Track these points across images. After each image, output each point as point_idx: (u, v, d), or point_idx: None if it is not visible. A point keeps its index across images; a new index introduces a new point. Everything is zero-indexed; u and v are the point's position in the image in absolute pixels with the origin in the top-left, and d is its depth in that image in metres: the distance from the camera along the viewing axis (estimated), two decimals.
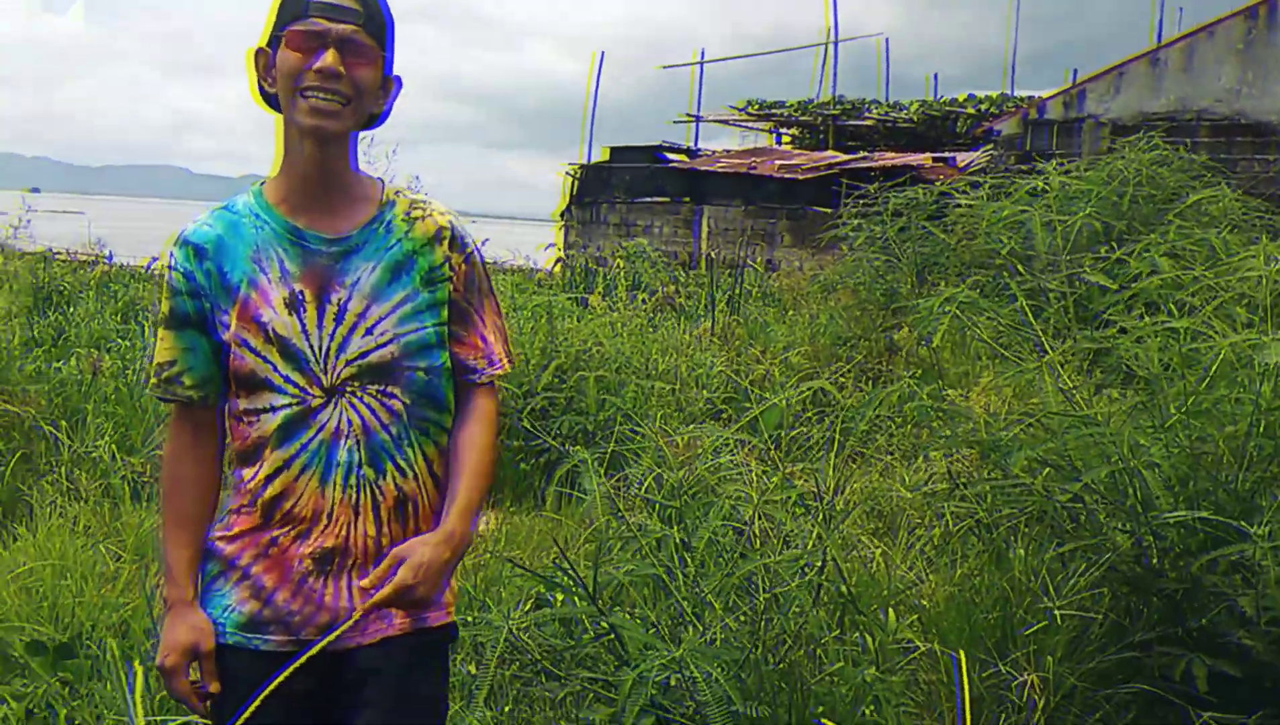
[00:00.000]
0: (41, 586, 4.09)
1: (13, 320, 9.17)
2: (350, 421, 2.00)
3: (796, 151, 27.74)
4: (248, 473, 2.03)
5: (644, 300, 11.93)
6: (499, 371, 2.14)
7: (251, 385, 2.00)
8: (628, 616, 3.05)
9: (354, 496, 2.01)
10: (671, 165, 27.63)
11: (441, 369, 2.08)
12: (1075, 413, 3.41)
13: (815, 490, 3.72)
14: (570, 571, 2.94)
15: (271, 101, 2.04)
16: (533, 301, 8.41)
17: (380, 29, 2.01)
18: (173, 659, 2.01)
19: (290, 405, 1.99)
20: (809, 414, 6.72)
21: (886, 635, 3.36)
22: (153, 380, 2.07)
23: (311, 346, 1.99)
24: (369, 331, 2.01)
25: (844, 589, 3.30)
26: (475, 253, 2.15)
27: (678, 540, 3.25)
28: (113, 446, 5.95)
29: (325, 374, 2.00)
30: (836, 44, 28.63)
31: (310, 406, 1.99)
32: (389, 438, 2.02)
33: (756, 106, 29.65)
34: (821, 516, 3.25)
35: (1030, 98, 20.10)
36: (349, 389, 2.00)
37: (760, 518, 3.15)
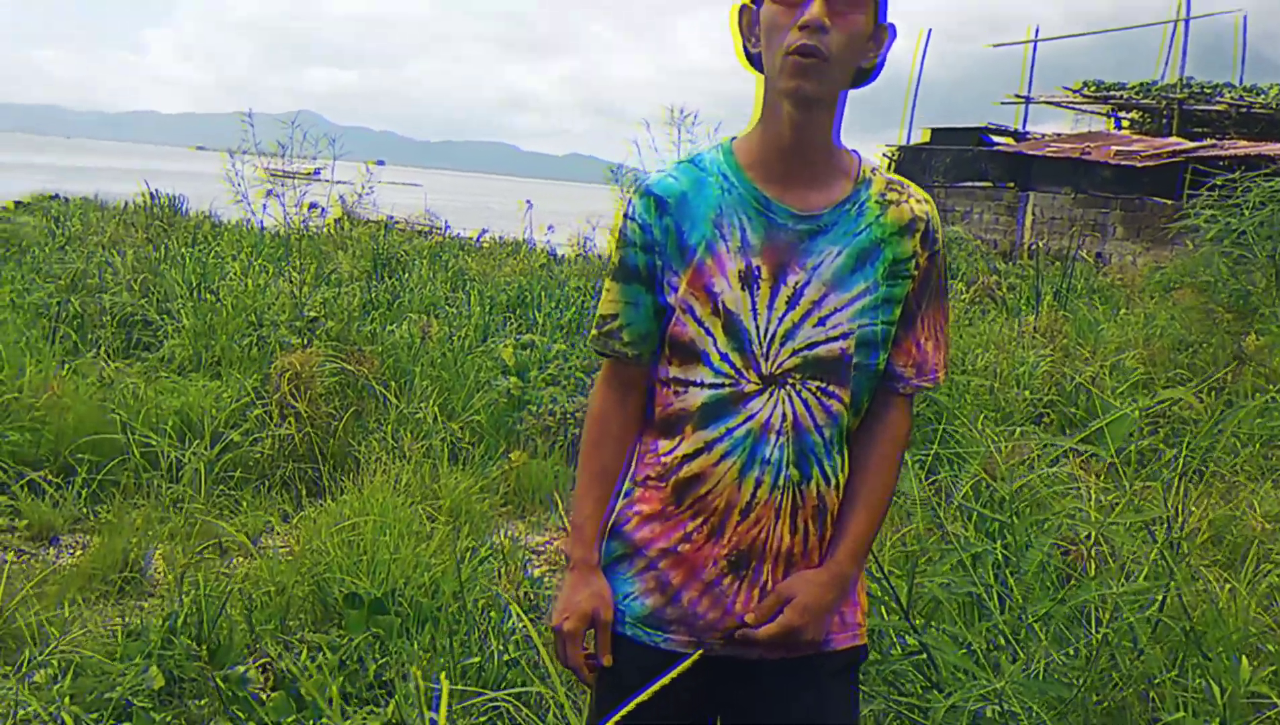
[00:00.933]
0: (362, 541, 4.27)
1: (353, 283, 9.75)
2: (784, 415, 1.83)
3: (1135, 137, 25.88)
4: (665, 445, 1.89)
5: (960, 291, 11.43)
6: (929, 384, 1.94)
7: (687, 354, 1.86)
8: (943, 635, 2.82)
9: (778, 498, 1.85)
10: (996, 148, 26.46)
11: (877, 372, 1.90)
12: None
13: (1160, 514, 3.34)
14: (884, 580, 2.74)
15: (755, 62, 1.88)
16: None
17: None
18: (571, 623, 1.90)
19: (721, 385, 1.84)
20: (1144, 425, 6.16)
21: (1237, 685, 2.97)
22: (593, 332, 1.97)
23: (758, 327, 1.83)
24: (822, 321, 1.83)
25: (1187, 627, 2.93)
26: (942, 251, 1.95)
27: (1000, 557, 2.98)
28: (435, 409, 6.21)
29: (765, 360, 1.83)
30: (1187, 22, 26.45)
31: (744, 391, 1.84)
32: (820, 439, 1.86)
33: (1094, 88, 27.87)
34: (1166, 543, 2.89)
35: None
36: (790, 381, 1.83)
37: (1098, 541, 2.83)
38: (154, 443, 5.34)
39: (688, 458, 1.86)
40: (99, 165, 61.50)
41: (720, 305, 1.83)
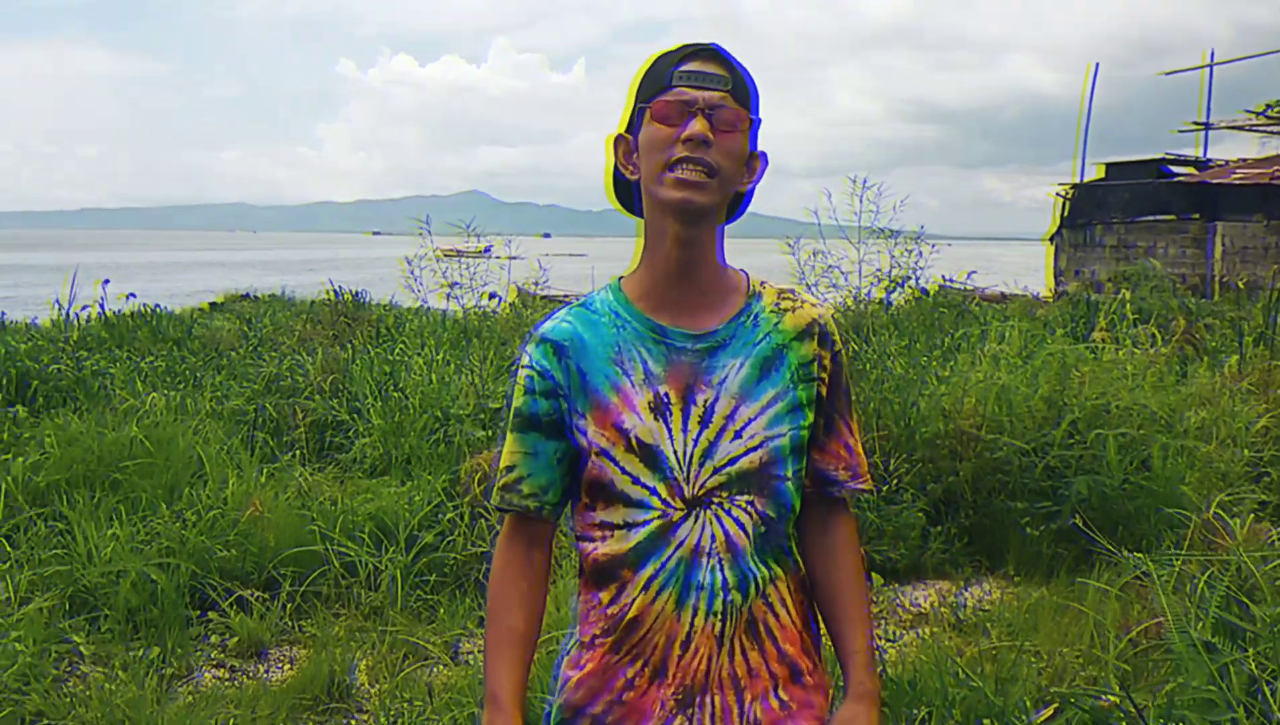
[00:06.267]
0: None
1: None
2: (714, 536, 1.80)
3: None
4: (604, 596, 1.84)
5: (1154, 335, 10.86)
6: (862, 487, 1.92)
7: (609, 497, 1.82)
8: None
9: (718, 625, 1.80)
10: (1177, 179, 25.33)
11: (799, 478, 1.87)
12: None
13: None
14: (1131, 707, 2.51)
15: (623, 199, 1.91)
16: (1043, 350, 7.79)
17: (746, 96, 1.82)
18: None
19: (650, 520, 1.80)
20: None
21: None
22: (495, 488, 1.93)
23: (676, 452, 1.80)
24: (738, 434, 1.81)
25: None
26: (842, 353, 1.92)
27: (1254, 669, 2.71)
28: None
29: (688, 483, 1.80)
30: None
31: (671, 520, 1.80)
32: (754, 555, 1.82)
33: (1278, 109, 26.46)
34: None
35: None
36: (715, 499, 1.80)
37: None
38: (351, 551, 5.44)
39: (630, 603, 1.82)
40: (286, 257, 64.82)
41: (635, 439, 1.80)
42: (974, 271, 17.69)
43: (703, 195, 1.77)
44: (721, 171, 1.79)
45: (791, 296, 1.93)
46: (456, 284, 11.22)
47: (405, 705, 4.21)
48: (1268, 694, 2.69)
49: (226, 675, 4.70)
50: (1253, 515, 3.85)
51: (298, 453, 7.39)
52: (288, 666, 4.79)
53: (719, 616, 1.80)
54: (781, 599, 1.87)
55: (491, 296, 11.65)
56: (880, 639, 4.98)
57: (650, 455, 1.80)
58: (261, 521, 5.55)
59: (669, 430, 1.81)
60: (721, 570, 1.80)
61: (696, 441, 1.80)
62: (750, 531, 1.82)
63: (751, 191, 1.92)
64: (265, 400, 8.38)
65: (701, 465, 1.80)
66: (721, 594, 1.80)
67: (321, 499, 6.01)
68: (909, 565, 6.09)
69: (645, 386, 1.82)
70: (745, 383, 1.83)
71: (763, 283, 1.93)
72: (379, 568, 5.39)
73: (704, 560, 1.80)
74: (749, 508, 1.81)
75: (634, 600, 1.81)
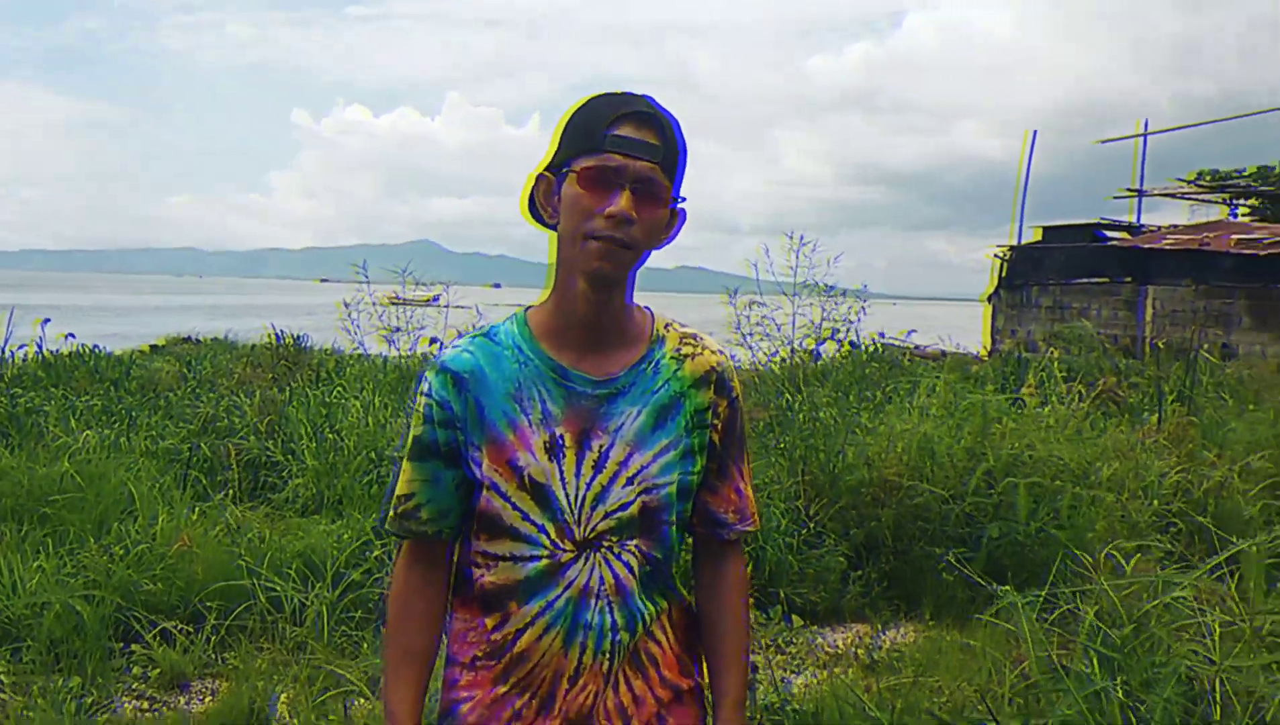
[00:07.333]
0: None
1: None
2: (603, 578, 1.85)
3: (1256, 225, 25.23)
4: (490, 621, 1.89)
5: (1081, 393, 11.16)
6: (749, 528, 1.99)
7: (496, 529, 1.86)
8: None
9: (606, 663, 1.86)
10: (1111, 243, 26.00)
11: (685, 521, 1.94)
12: None
13: None
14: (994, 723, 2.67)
15: (541, 221, 1.90)
16: (964, 402, 8.03)
17: (674, 163, 1.83)
18: None
19: (538, 557, 1.84)
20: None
21: None
22: (390, 514, 1.94)
23: (568, 495, 1.84)
24: (630, 481, 1.85)
25: None
26: (738, 400, 1.98)
27: (1121, 698, 2.88)
28: None
29: (579, 526, 1.84)
30: None
31: (560, 561, 1.84)
32: (642, 597, 1.88)
33: (1209, 177, 27.35)
34: None
35: None
36: (605, 543, 1.85)
37: (1224, 681, 2.71)
38: (278, 587, 5.49)
39: (517, 634, 1.86)
40: (232, 302, 64.27)
41: (527, 478, 1.83)
42: (914, 330, 18.08)
43: (618, 268, 1.80)
44: (639, 245, 1.81)
45: (693, 342, 1.95)
46: (398, 329, 11.31)
47: None
48: (1132, 718, 2.86)
49: (147, 706, 4.73)
50: (1139, 556, 4.04)
51: (230, 492, 7.42)
52: (209, 698, 4.83)
53: (607, 655, 1.86)
54: (663, 628, 1.94)
55: (433, 342, 11.74)
56: (788, 674, 5.11)
57: (542, 495, 1.83)
58: (189, 556, 5.59)
59: (561, 472, 1.83)
60: (611, 612, 1.85)
61: (590, 486, 1.84)
62: (637, 572, 1.87)
63: (671, 239, 1.91)
64: (200, 440, 8.39)
65: (593, 509, 1.84)
66: (610, 634, 1.85)
67: (250, 536, 6.05)
68: (828, 608, 6.23)
69: (542, 427, 1.83)
70: (641, 431, 1.86)
71: (667, 325, 1.95)
72: (304, 603, 5.45)
73: (593, 602, 1.84)
74: (636, 550, 1.86)
75: (521, 633, 1.86)
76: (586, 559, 1.84)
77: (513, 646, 1.86)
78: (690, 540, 2.03)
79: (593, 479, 1.84)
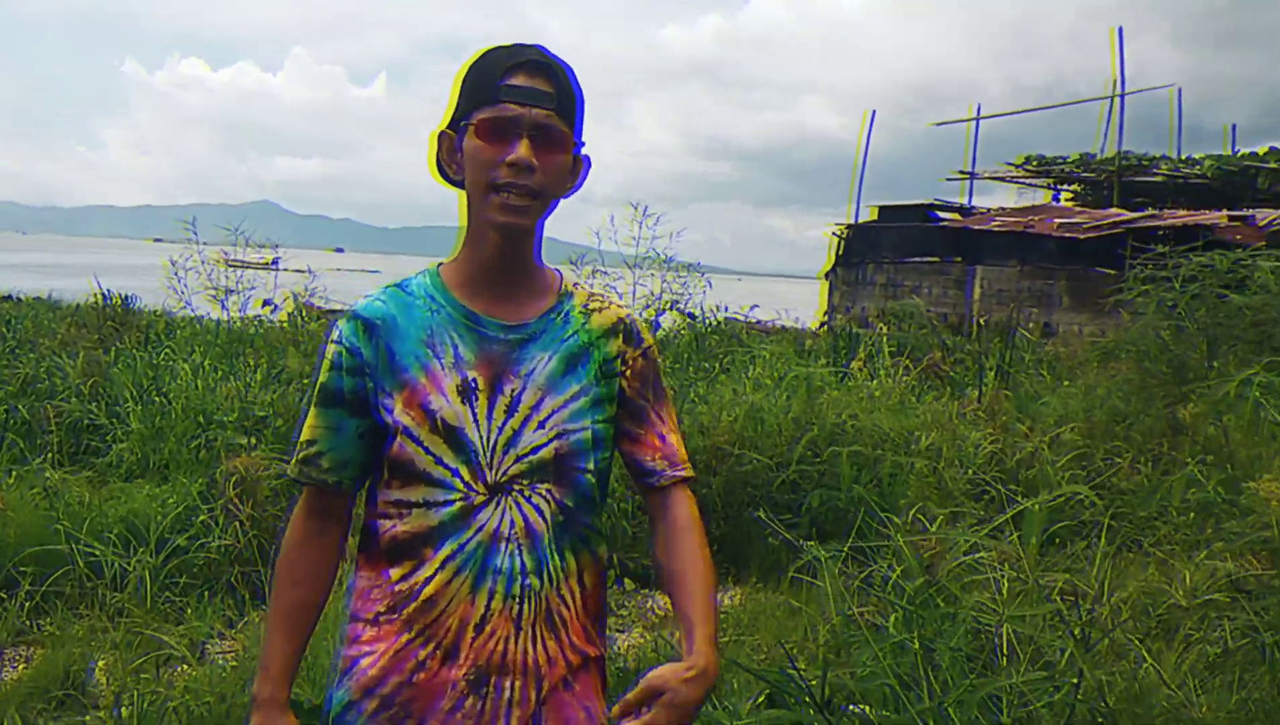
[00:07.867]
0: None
1: (304, 379, 9.73)
2: (514, 522, 1.85)
3: (1078, 209, 26.53)
4: (396, 573, 1.86)
5: (907, 367, 11.61)
6: (682, 474, 1.96)
7: (409, 476, 1.85)
8: None
9: (514, 607, 1.84)
10: (943, 224, 26.98)
11: (601, 471, 1.94)
12: None
13: (1077, 594, 3.45)
14: (798, 678, 2.82)
15: (450, 179, 1.93)
16: (790, 373, 8.29)
17: (572, 109, 1.87)
18: None
19: (451, 501, 1.83)
20: (1081, 498, 6.29)
21: None
22: (293, 461, 1.93)
23: (481, 437, 1.84)
24: (541, 424, 1.87)
25: (1101, 708, 3.03)
26: (651, 349, 2.02)
27: (918, 649, 3.07)
28: None
29: (491, 469, 1.84)
30: (1123, 96, 27.23)
31: (473, 503, 1.83)
32: (552, 542, 1.87)
33: (1035, 163, 28.59)
34: (1079, 629, 2.99)
35: None
36: (516, 487, 1.85)
37: (1009, 629, 2.93)
38: (98, 552, 5.35)
39: (425, 581, 1.84)
40: (54, 262, 61.18)
41: (440, 421, 1.83)
42: (756, 305, 18.49)
43: (525, 218, 1.83)
44: (545, 192, 1.84)
45: (601, 298, 2.01)
46: (230, 291, 11.03)
47: (144, 704, 4.20)
48: (931, 673, 3.05)
49: None
50: (942, 517, 4.28)
51: (50, 455, 7.16)
52: (23, 665, 4.69)
53: (517, 599, 1.84)
54: (572, 592, 1.91)
55: (267, 303, 11.47)
56: (613, 632, 5.24)
57: (455, 438, 1.83)
58: (2, 519, 5.39)
59: (474, 415, 1.84)
60: (520, 555, 1.84)
61: (501, 429, 1.84)
62: (549, 519, 1.86)
63: (577, 189, 1.95)
64: (19, 402, 8.07)
65: (505, 452, 1.84)
66: (520, 578, 1.84)
67: (70, 499, 5.87)
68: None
69: (454, 370, 1.85)
70: (552, 376, 1.88)
71: (575, 284, 2.00)
72: (126, 569, 5.32)
73: (503, 545, 1.83)
74: (548, 496, 1.86)
75: (430, 579, 1.83)
76: (498, 503, 1.84)
77: (419, 594, 1.84)
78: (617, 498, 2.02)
79: (505, 422, 1.85)
